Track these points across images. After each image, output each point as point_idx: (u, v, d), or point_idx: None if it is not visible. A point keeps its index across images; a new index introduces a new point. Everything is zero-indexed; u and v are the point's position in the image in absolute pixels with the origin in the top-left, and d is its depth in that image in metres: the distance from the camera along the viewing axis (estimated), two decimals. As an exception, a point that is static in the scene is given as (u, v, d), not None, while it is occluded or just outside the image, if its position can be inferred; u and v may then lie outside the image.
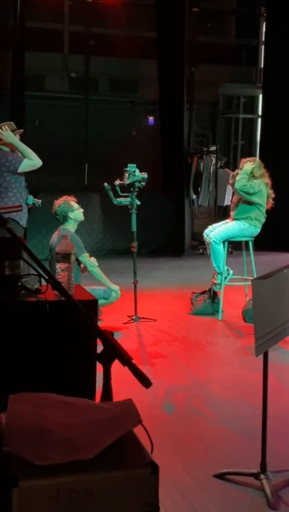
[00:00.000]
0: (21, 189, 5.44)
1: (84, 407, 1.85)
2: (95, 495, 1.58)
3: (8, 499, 1.54)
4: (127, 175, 6.14)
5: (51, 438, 1.67)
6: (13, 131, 5.51)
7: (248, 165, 6.51)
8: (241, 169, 6.54)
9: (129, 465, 1.66)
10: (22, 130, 5.63)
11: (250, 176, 6.44)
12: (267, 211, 6.59)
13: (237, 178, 6.48)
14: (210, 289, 6.73)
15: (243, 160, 6.72)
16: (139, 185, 6.17)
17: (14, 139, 5.47)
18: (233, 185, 6.77)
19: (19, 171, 5.37)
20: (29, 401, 1.86)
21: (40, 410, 1.79)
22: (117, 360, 1.90)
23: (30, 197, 5.53)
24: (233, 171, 7.63)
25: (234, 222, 6.58)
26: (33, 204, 5.54)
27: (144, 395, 3.10)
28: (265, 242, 8.48)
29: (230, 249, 7.52)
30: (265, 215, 6.56)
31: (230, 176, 7.01)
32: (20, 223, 5.39)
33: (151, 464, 1.65)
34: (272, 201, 6.56)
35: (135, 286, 6.26)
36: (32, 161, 5.41)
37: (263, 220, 6.56)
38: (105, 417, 1.77)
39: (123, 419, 1.77)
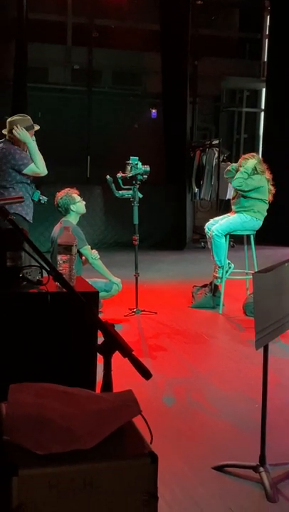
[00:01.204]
0: (27, 184, 5.40)
1: (84, 397, 1.86)
2: (94, 484, 1.59)
3: (8, 488, 1.55)
4: (129, 168, 6.14)
5: (51, 427, 1.68)
6: (29, 127, 5.39)
7: (251, 162, 6.49)
8: (240, 166, 6.53)
9: (129, 455, 1.67)
10: (38, 127, 5.53)
11: (251, 173, 6.43)
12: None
13: (236, 175, 6.47)
14: (211, 283, 6.74)
15: (244, 156, 6.71)
16: (142, 178, 6.17)
17: (29, 139, 5.31)
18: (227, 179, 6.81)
19: (23, 172, 5.30)
20: (30, 391, 1.87)
21: (40, 400, 1.80)
22: (117, 352, 1.91)
23: (37, 192, 5.45)
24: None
25: (236, 214, 6.57)
26: (39, 200, 5.47)
27: (144, 388, 3.11)
28: (266, 236, 8.48)
29: (231, 243, 7.52)
30: (267, 207, 6.57)
31: (225, 170, 7.00)
32: (27, 218, 5.36)
33: (150, 454, 1.66)
34: (271, 197, 6.55)
35: (136, 279, 6.26)
36: (38, 168, 5.28)
37: (266, 213, 6.56)
38: (105, 407, 1.78)
39: (123, 409, 1.78)
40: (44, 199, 5.48)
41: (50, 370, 2.52)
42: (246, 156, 6.68)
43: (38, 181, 5.61)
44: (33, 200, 5.42)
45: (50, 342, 2.59)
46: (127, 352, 1.88)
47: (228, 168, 6.83)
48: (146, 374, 1.84)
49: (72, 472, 1.59)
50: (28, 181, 5.36)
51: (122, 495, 1.62)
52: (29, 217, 5.38)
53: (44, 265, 2.17)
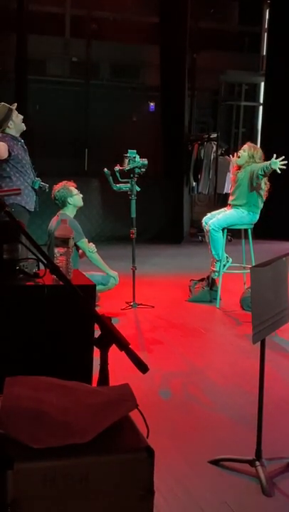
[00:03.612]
0: (24, 174, 5.37)
1: (80, 391, 1.85)
2: (90, 478, 1.58)
3: (4, 481, 1.54)
4: (127, 161, 6.12)
5: (47, 421, 1.67)
6: (8, 111, 5.40)
7: (251, 151, 6.50)
8: (244, 151, 6.52)
9: (125, 449, 1.66)
10: (16, 104, 5.54)
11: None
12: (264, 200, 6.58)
13: (257, 164, 6.41)
14: (208, 277, 6.73)
15: (249, 144, 6.69)
16: (139, 171, 6.15)
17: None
18: (232, 172, 6.76)
19: None
20: (26, 384, 1.86)
21: (36, 393, 1.79)
22: (114, 346, 1.90)
23: (37, 181, 5.47)
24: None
25: (233, 209, 6.56)
26: (40, 187, 5.50)
27: (141, 381, 3.10)
28: (264, 230, 8.48)
29: (229, 237, 7.50)
30: (263, 200, 6.55)
31: (231, 163, 6.97)
32: (27, 207, 5.35)
33: (146, 449, 1.65)
34: (267, 188, 6.53)
35: (134, 272, 6.25)
36: None
37: (261, 205, 6.54)
38: (102, 401, 1.77)
39: (119, 403, 1.77)
40: (45, 185, 5.51)
41: (46, 364, 2.52)
42: (251, 144, 6.67)
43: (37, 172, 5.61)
44: (34, 189, 5.42)
45: (47, 335, 2.59)
46: (123, 345, 1.87)
47: (234, 159, 6.77)
48: (142, 367, 1.83)
49: (69, 466, 1.58)
50: (25, 169, 5.36)
51: (118, 489, 1.61)
52: (29, 206, 5.38)
53: (41, 258, 2.16)
